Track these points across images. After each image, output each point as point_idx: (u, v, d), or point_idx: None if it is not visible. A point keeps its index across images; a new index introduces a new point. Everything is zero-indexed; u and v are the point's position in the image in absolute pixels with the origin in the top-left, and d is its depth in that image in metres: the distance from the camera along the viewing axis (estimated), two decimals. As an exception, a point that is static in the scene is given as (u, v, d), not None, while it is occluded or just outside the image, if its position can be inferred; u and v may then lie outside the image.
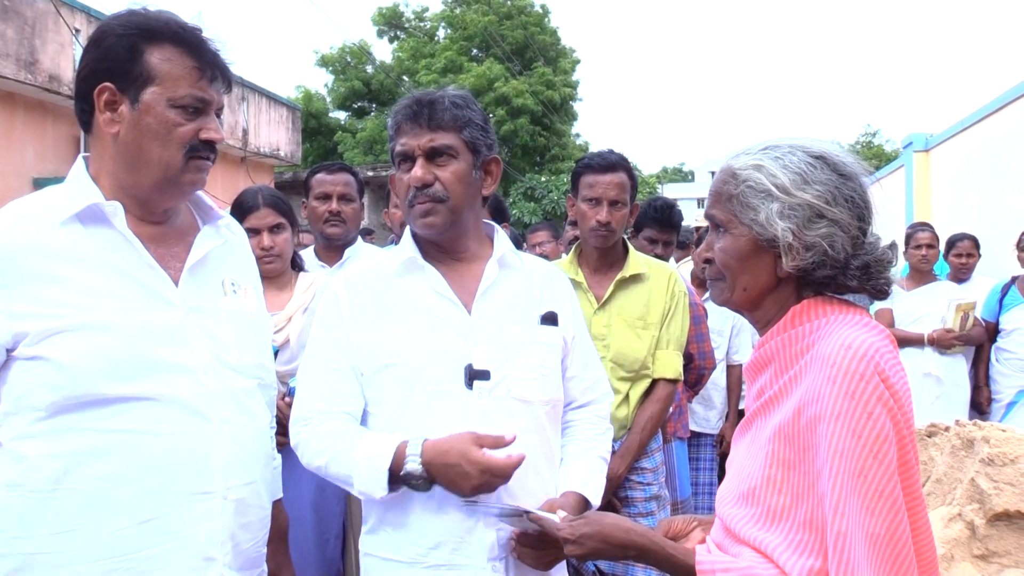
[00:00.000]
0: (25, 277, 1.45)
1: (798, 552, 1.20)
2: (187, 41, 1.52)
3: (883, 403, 1.17)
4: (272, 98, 13.76)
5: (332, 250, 3.15)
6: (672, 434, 3.46)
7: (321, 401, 1.73)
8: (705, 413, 4.42)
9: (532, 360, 1.72)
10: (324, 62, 26.53)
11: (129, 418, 1.46)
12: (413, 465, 1.58)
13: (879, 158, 31.84)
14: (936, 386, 4.77)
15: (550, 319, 1.77)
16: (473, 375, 1.66)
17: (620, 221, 2.63)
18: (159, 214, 1.61)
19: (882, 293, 1.33)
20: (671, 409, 3.40)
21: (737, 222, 1.30)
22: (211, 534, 1.51)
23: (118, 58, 1.49)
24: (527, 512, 1.50)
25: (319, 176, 3.11)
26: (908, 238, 5.24)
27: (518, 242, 3.43)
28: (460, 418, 1.64)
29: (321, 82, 39.88)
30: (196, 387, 1.51)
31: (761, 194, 1.27)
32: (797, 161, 1.28)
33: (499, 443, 1.58)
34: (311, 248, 3.34)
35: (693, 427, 4.26)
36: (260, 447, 1.67)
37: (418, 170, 1.66)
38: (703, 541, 1.44)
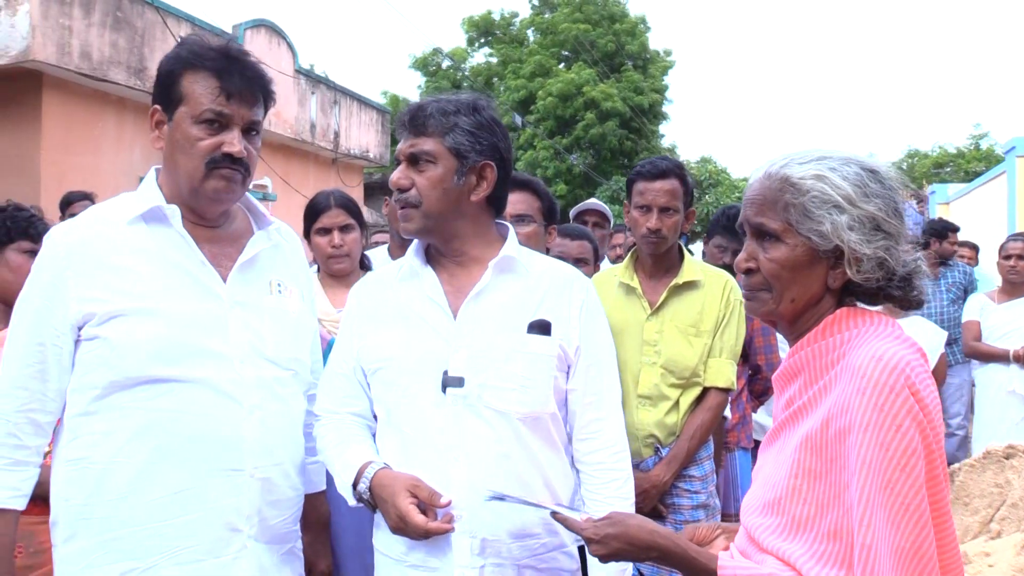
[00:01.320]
0: (95, 266, 1.66)
1: (821, 562, 1.21)
2: (215, 65, 1.69)
3: (912, 417, 1.17)
4: (363, 101, 14.15)
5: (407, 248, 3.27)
6: (735, 443, 3.44)
7: (329, 401, 1.85)
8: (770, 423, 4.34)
9: (513, 370, 1.69)
10: (418, 65, 27.06)
11: (171, 399, 1.64)
12: (363, 487, 1.68)
13: (988, 160, 30.07)
14: (1021, 405, 4.54)
15: (540, 328, 1.72)
16: (446, 381, 1.68)
17: (672, 228, 2.62)
18: (214, 218, 1.79)
19: (918, 303, 1.33)
20: (734, 419, 3.39)
21: (794, 232, 1.29)
22: (238, 507, 1.68)
23: (164, 85, 1.71)
24: (551, 511, 1.54)
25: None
26: (1001, 248, 5.01)
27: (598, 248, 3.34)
28: (433, 424, 1.68)
29: (409, 87, 40.66)
30: (231, 374, 1.68)
31: (827, 204, 1.26)
32: (855, 173, 1.28)
33: (431, 500, 1.61)
34: (384, 247, 3.46)
35: (757, 437, 4.20)
36: (290, 432, 1.82)
37: (396, 174, 1.73)
38: (727, 548, 1.44)
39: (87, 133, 8.54)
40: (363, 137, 14.01)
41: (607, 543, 1.40)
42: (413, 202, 1.71)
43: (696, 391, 2.66)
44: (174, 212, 1.71)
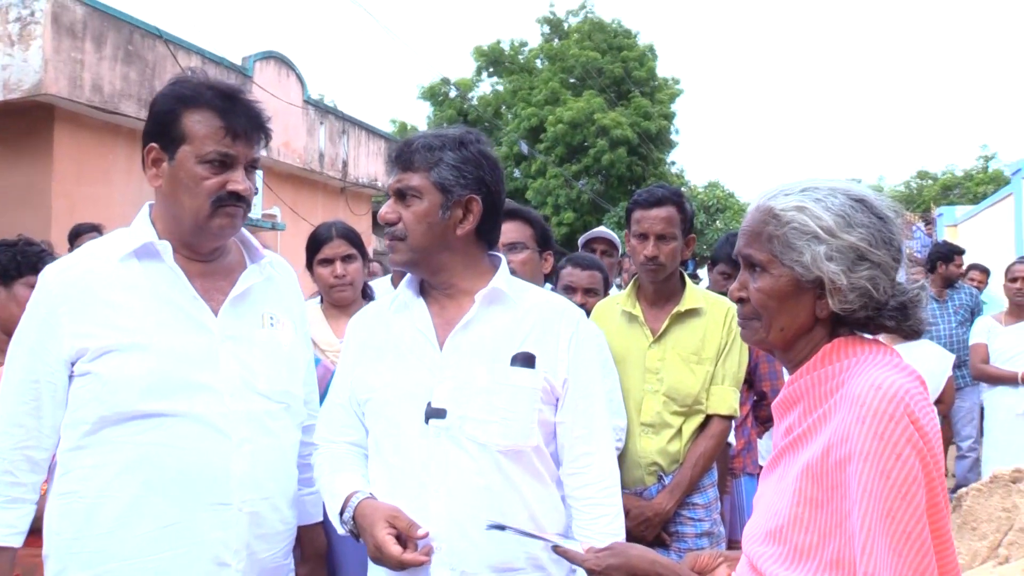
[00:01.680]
0: (88, 303, 1.69)
1: None
2: (217, 105, 1.72)
3: (912, 445, 1.17)
4: (371, 131, 14.30)
5: None
6: (741, 469, 3.43)
7: (327, 431, 1.88)
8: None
9: (495, 402, 1.69)
10: (426, 95, 27.31)
11: (160, 433, 1.66)
12: (348, 516, 1.71)
13: (996, 182, 30.03)
14: (1030, 429, 4.51)
15: (524, 360, 1.72)
16: (429, 413, 1.69)
17: (670, 255, 2.63)
18: (206, 253, 1.81)
19: (916, 333, 1.33)
20: (739, 445, 3.38)
21: (778, 263, 1.30)
22: (226, 542, 1.69)
23: (162, 122, 1.73)
24: (553, 544, 1.55)
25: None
26: (1007, 270, 5.00)
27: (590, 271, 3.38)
28: (417, 455, 1.70)
29: (418, 117, 41.02)
30: (220, 407, 1.70)
31: (807, 236, 1.28)
32: (839, 204, 1.29)
33: (409, 531, 1.62)
34: (387, 278, 3.50)
35: (762, 463, 4.19)
36: (280, 465, 1.83)
37: (384, 208, 1.76)
38: None
39: (98, 165, 8.65)
40: (371, 166, 14.14)
41: (609, 574, 1.41)
42: (400, 236, 1.73)
43: (699, 419, 2.66)
44: (165, 248, 1.74)
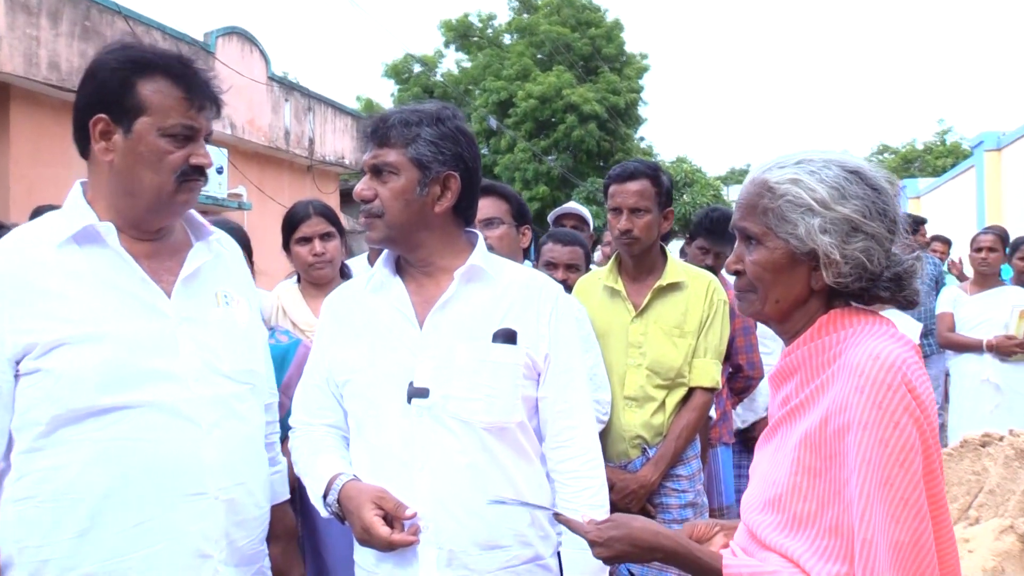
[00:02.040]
0: (28, 295, 1.55)
1: (824, 558, 1.23)
2: (176, 73, 1.60)
3: (910, 413, 1.19)
4: (337, 108, 14.10)
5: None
6: (717, 439, 3.48)
7: (304, 413, 1.85)
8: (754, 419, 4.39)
9: (478, 380, 1.68)
10: (391, 72, 26.94)
11: (123, 427, 1.55)
12: (332, 498, 1.69)
13: (955, 155, 30.60)
14: (995, 394, 4.62)
15: (505, 336, 1.71)
16: (412, 392, 1.67)
17: (644, 228, 2.65)
18: (152, 232, 1.69)
19: (911, 303, 1.35)
20: (716, 415, 3.43)
21: (772, 235, 1.32)
22: (205, 532, 1.61)
23: (112, 90, 1.59)
24: (554, 512, 1.56)
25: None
26: (972, 240, 5.11)
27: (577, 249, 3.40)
28: (399, 435, 1.68)
29: (382, 94, 40.58)
30: (185, 394, 1.61)
31: (800, 208, 1.29)
32: (833, 175, 1.30)
33: (396, 512, 1.62)
34: (364, 256, 3.47)
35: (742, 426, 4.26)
36: (251, 449, 1.76)
37: (359, 185, 1.73)
38: (725, 546, 1.46)
39: (56, 145, 8.41)
40: (338, 143, 13.96)
41: (611, 545, 1.41)
42: (376, 213, 1.70)
43: (682, 391, 2.69)
44: (108, 230, 1.61)
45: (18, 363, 1.55)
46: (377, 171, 1.71)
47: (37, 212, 5.13)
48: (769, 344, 4.42)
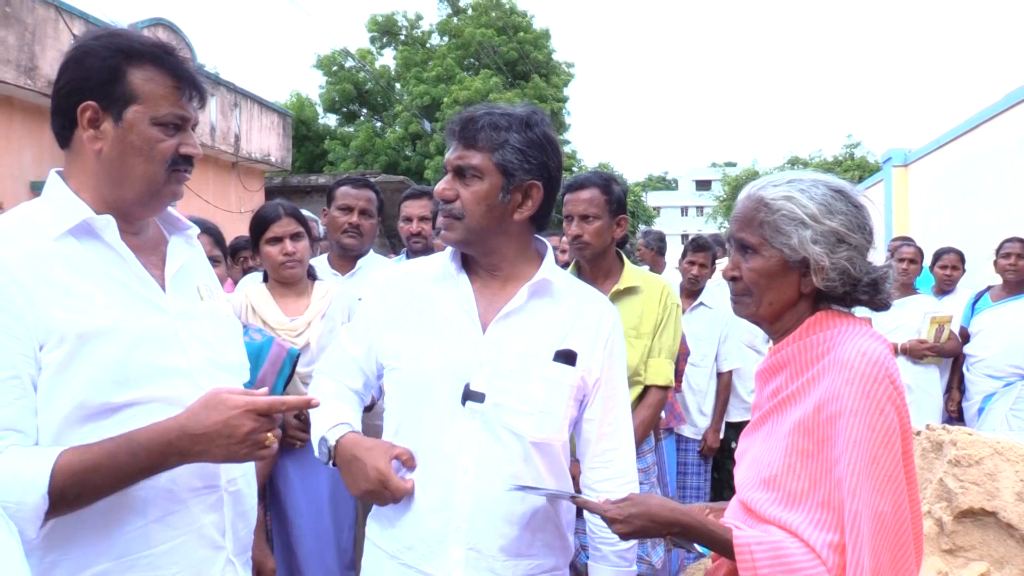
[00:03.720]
0: (40, 284, 1.46)
1: (819, 528, 1.40)
2: (167, 61, 1.58)
3: (892, 402, 1.39)
4: (264, 104, 13.86)
5: (346, 260, 3.41)
6: (664, 427, 3.68)
7: (333, 369, 1.91)
8: (692, 419, 4.61)
9: (534, 395, 1.69)
10: (320, 64, 26.55)
11: (136, 423, 1.50)
12: (332, 435, 1.73)
13: (862, 169, 32.06)
14: (907, 394, 4.94)
15: (566, 357, 1.72)
16: (468, 395, 1.68)
17: (594, 234, 2.81)
18: (136, 226, 1.66)
19: (885, 306, 1.54)
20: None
21: (768, 245, 1.49)
22: (217, 525, 1.63)
23: (101, 78, 1.54)
24: (572, 495, 1.64)
25: (344, 189, 3.37)
26: (893, 251, 5.36)
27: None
28: (447, 433, 1.69)
29: (310, 86, 39.78)
30: (193, 389, 1.57)
31: (794, 222, 1.47)
32: (822, 194, 1.49)
33: (411, 462, 1.68)
34: (324, 256, 3.51)
35: (682, 431, 4.49)
36: None
37: (442, 184, 1.72)
38: None
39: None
40: (265, 141, 13.73)
41: (630, 521, 1.50)
42: (457, 215, 1.70)
43: (637, 390, 2.85)
44: (108, 223, 1.56)
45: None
46: (460, 172, 1.70)
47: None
48: (704, 347, 4.68)
